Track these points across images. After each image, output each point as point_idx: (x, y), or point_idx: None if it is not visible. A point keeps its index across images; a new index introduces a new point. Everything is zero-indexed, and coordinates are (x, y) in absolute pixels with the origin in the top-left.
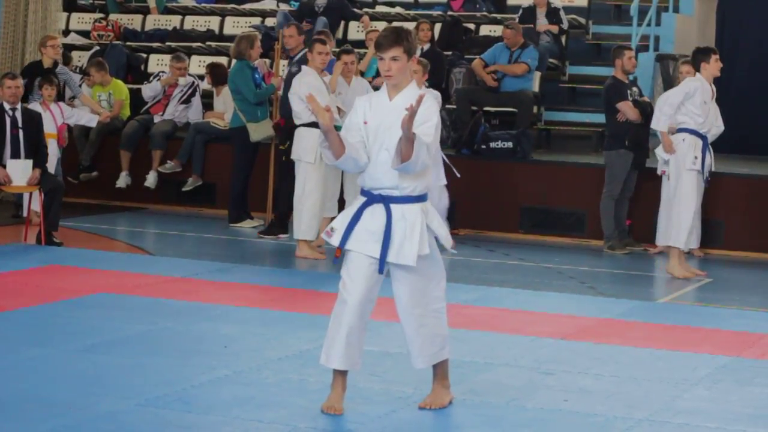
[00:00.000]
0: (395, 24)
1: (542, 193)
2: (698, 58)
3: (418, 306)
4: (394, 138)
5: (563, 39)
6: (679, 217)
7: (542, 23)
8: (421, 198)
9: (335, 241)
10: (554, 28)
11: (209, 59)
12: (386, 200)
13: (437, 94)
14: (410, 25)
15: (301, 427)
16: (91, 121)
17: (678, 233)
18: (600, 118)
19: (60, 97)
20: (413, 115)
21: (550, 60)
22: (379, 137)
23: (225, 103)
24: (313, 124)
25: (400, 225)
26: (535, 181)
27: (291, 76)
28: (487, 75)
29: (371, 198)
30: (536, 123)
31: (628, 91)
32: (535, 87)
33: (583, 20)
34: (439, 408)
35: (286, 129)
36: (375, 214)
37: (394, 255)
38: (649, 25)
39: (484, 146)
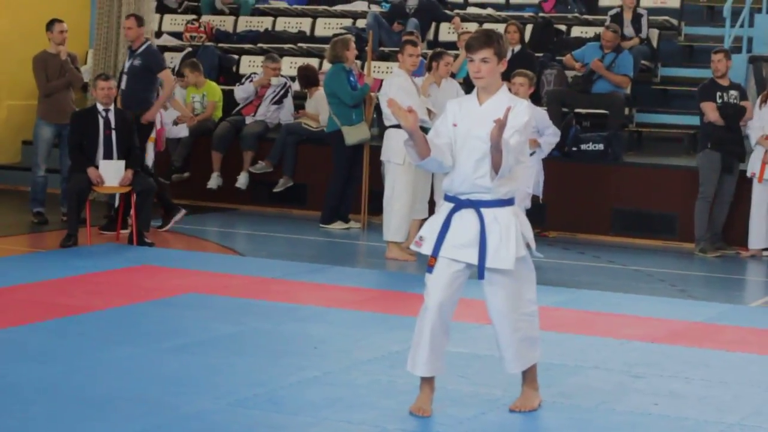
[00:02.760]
0: (486, 25)
1: (633, 195)
2: None
3: (514, 310)
4: (483, 143)
5: (655, 40)
6: None
7: (628, 29)
8: (511, 201)
9: (426, 249)
10: (635, 42)
11: (300, 60)
12: (476, 204)
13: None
14: (501, 27)
15: (389, 428)
16: (181, 132)
17: None
18: (692, 120)
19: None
20: (502, 128)
21: (642, 62)
22: (468, 142)
23: (317, 105)
24: (400, 126)
25: (494, 229)
26: (626, 184)
27: (133, 69)
28: (578, 66)
29: (459, 203)
30: (628, 125)
31: (720, 93)
32: (627, 89)
33: (675, 21)
34: (529, 411)
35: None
36: (465, 219)
37: (491, 259)
38: (742, 26)
39: (575, 148)
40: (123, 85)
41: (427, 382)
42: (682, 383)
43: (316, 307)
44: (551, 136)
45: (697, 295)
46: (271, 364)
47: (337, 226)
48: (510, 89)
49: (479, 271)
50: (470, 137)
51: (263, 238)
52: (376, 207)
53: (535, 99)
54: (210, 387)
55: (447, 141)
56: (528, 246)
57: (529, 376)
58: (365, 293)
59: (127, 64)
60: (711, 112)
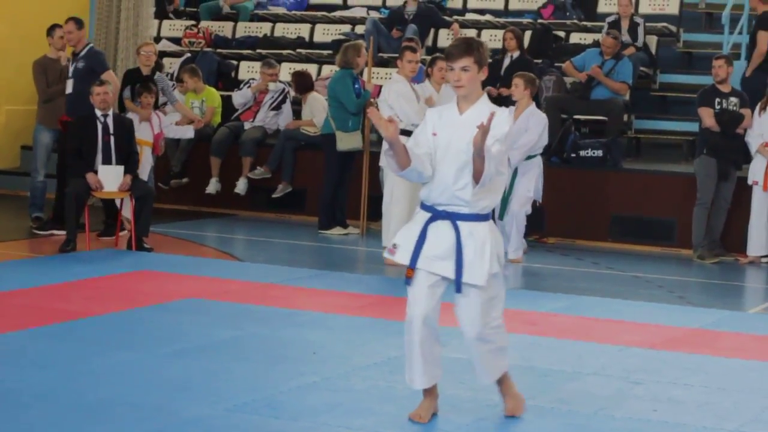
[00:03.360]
0: (485, 32)
1: (632, 201)
2: None
3: (484, 325)
4: (463, 154)
5: (654, 47)
6: None
7: (625, 37)
8: (487, 217)
9: (400, 258)
10: (632, 50)
11: (299, 66)
12: (453, 217)
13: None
14: (499, 33)
15: None
16: (187, 132)
17: None
18: (691, 126)
19: (157, 104)
20: (485, 134)
21: (641, 68)
22: (449, 152)
23: (312, 110)
24: (401, 132)
25: (469, 243)
26: (625, 190)
27: (78, 72)
28: (577, 74)
29: (436, 214)
30: (626, 131)
31: (719, 100)
32: (626, 95)
33: (674, 28)
34: (522, 412)
35: None
36: (441, 231)
37: (466, 274)
38: (740, 33)
39: (573, 154)
40: (69, 89)
41: (429, 389)
42: (681, 390)
43: (314, 313)
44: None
45: (695, 302)
46: (269, 370)
47: (336, 231)
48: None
49: (456, 285)
50: (451, 147)
51: (262, 243)
52: (374, 213)
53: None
54: (209, 392)
55: (427, 151)
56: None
57: (505, 382)
58: (364, 299)
59: (71, 68)
60: (707, 117)
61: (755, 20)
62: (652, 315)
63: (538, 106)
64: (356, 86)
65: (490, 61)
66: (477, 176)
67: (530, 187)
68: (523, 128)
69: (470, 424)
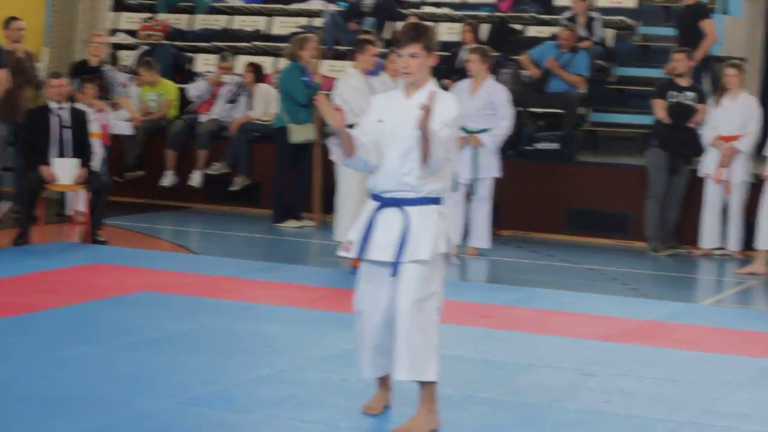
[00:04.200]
0: (442, 25)
1: (588, 194)
2: None
3: (418, 310)
4: (409, 139)
5: (611, 40)
6: None
7: (582, 32)
8: (437, 200)
9: (354, 253)
10: (587, 44)
11: (257, 59)
12: (401, 203)
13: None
14: (457, 26)
15: (342, 426)
16: (125, 129)
17: None
18: (647, 119)
19: (105, 96)
20: (427, 113)
21: (598, 61)
22: (395, 137)
23: (259, 100)
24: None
25: (416, 223)
26: (580, 183)
27: None
28: (533, 68)
29: (384, 202)
30: (582, 124)
31: (675, 93)
32: (582, 88)
33: (631, 21)
34: None
35: None
36: (389, 219)
37: (409, 253)
38: None
39: (529, 147)
40: None
41: (381, 381)
42: (634, 381)
43: (269, 306)
44: (499, 129)
45: (649, 294)
46: (224, 363)
47: (291, 224)
48: None
49: (393, 268)
50: (397, 132)
51: (217, 236)
52: (329, 205)
53: None
54: (163, 385)
55: (373, 138)
56: (447, 253)
57: (425, 395)
58: (318, 291)
59: None
60: (659, 109)
61: (688, 11)
62: (606, 307)
63: None
64: (305, 78)
65: (448, 54)
66: (424, 159)
67: (493, 167)
68: (486, 102)
69: None
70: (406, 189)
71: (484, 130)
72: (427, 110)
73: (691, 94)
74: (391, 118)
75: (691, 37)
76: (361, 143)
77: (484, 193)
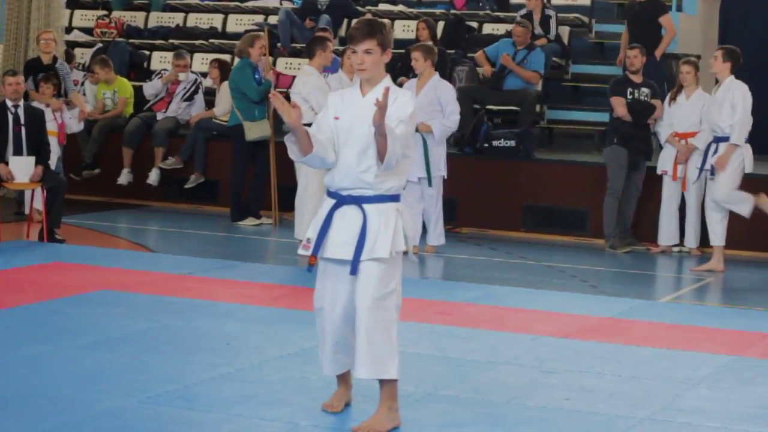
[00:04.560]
0: (398, 22)
1: (545, 191)
2: None
3: (377, 309)
4: (366, 136)
5: (566, 38)
6: None
7: (537, 30)
8: (395, 198)
9: (310, 251)
10: (542, 42)
11: (212, 57)
12: (359, 201)
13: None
14: (412, 24)
15: (302, 424)
16: (74, 126)
17: None
18: (603, 116)
19: (59, 94)
20: (382, 110)
21: (553, 59)
22: (351, 134)
23: (225, 99)
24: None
25: (374, 221)
26: (537, 180)
27: None
28: (488, 65)
29: (341, 199)
30: (539, 121)
31: (631, 90)
32: (538, 86)
33: (586, 19)
34: None
35: None
36: (347, 216)
37: (368, 251)
38: None
39: (486, 145)
40: None
41: (342, 379)
42: (594, 378)
43: (228, 304)
44: (448, 122)
45: (607, 291)
46: (183, 361)
47: (249, 222)
48: None
49: (352, 266)
50: (353, 129)
51: (175, 234)
52: (285, 203)
53: None
54: (122, 384)
55: (329, 136)
56: (405, 250)
57: (386, 392)
58: (277, 290)
59: None
60: (619, 107)
61: (643, 7)
62: (565, 304)
63: None
64: (256, 76)
65: (402, 51)
66: (381, 155)
67: (442, 165)
68: (432, 98)
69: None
70: (364, 187)
71: None
72: (381, 107)
73: (645, 90)
74: (347, 116)
75: (646, 33)
76: (317, 140)
77: (435, 191)
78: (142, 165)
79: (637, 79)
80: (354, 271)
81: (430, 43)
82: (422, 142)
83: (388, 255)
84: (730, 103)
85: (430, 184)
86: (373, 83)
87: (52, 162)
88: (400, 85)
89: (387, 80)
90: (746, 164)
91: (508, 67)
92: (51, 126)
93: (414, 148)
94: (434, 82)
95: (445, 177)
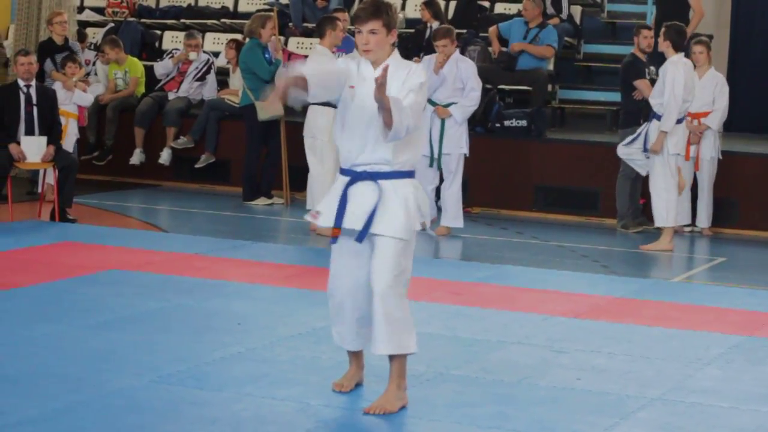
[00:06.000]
0: (410, 1)
1: (556, 171)
2: None
3: (396, 285)
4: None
5: (578, 17)
6: None
7: (550, 9)
8: (410, 174)
9: (323, 221)
10: (555, 21)
11: (224, 36)
12: (375, 177)
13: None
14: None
15: (313, 404)
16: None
17: None
18: (614, 96)
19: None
20: (381, 87)
21: (566, 39)
22: (364, 109)
23: (239, 80)
24: (327, 102)
25: (392, 198)
26: (549, 160)
27: None
28: (497, 43)
29: (356, 176)
30: (551, 101)
31: (646, 70)
32: (550, 65)
33: None
34: (388, 414)
35: None
36: (364, 190)
37: (386, 227)
38: None
39: (498, 125)
40: None
41: (355, 358)
42: (605, 358)
43: (239, 284)
44: (467, 100)
45: (619, 271)
46: (194, 341)
47: (260, 202)
48: None
49: (361, 234)
50: (366, 104)
51: (186, 214)
52: (297, 182)
53: None
54: (133, 364)
55: (336, 75)
56: (423, 225)
57: (396, 370)
58: (289, 269)
59: None
60: (647, 89)
61: None
62: (576, 284)
63: None
64: (266, 55)
65: (412, 31)
66: (387, 126)
67: (462, 142)
68: (456, 75)
69: None
70: (380, 162)
71: (451, 104)
72: (381, 84)
73: (653, 69)
74: (361, 88)
75: (675, 12)
76: (317, 72)
77: (454, 170)
78: (153, 145)
79: (644, 58)
80: (361, 238)
81: (437, 23)
82: (441, 122)
83: (406, 236)
84: (663, 82)
85: (431, 164)
86: (379, 63)
87: (71, 143)
88: None
89: (395, 55)
90: (679, 147)
91: (521, 49)
92: (71, 108)
93: (422, 119)
94: (455, 58)
95: (467, 155)
